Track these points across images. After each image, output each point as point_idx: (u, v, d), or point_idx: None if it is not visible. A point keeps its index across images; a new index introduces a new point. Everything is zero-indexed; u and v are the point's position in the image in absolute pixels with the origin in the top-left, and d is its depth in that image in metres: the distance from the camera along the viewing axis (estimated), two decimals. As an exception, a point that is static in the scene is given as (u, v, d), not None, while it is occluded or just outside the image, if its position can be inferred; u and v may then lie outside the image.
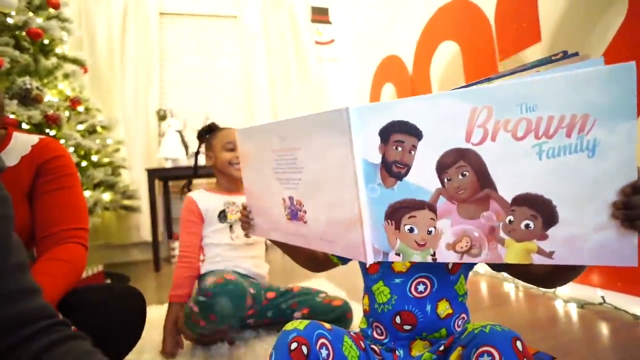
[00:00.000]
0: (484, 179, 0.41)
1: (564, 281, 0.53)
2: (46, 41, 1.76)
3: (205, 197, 1.23)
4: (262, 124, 0.60)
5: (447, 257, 0.45)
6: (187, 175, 2.78)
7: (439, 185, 0.44)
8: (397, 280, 0.60)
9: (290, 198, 0.57)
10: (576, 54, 0.40)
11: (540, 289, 1.38)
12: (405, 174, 0.45)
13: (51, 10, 1.84)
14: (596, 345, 0.95)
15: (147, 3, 2.87)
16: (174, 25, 3.05)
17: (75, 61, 1.96)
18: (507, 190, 0.41)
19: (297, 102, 3.20)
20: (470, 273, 0.64)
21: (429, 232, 0.45)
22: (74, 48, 2.28)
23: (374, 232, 0.47)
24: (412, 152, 0.44)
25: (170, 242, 2.67)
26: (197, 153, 1.40)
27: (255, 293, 1.14)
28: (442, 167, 0.43)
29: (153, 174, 2.44)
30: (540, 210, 0.40)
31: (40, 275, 0.67)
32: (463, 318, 0.61)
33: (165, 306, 1.13)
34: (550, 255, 0.40)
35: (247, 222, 0.72)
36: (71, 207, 0.79)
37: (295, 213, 0.57)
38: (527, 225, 0.41)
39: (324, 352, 0.50)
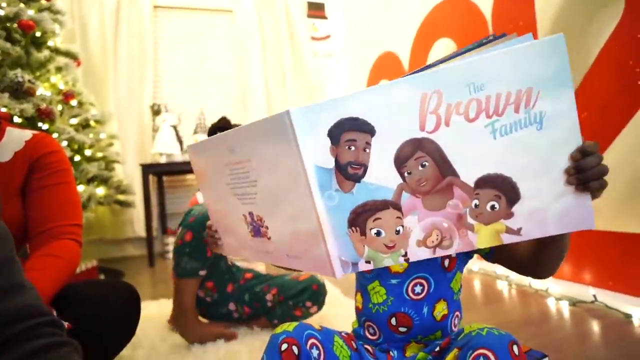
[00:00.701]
0: (444, 167, 0.41)
1: (551, 266, 0.53)
2: (38, 33, 1.73)
3: None
4: (212, 136, 0.54)
5: (420, 254, 0.43)
6: (181, 171, 2.77)
7: (400, 181, 0.42)
8: (394, 281, 0.58)
9: (250, 214, 0.52)
10: (504, 35, 0.42)
11: (533, 285, 1.39)
12: (363, 175, 0.43)
13: (43, 1, 1.81)
14: (587, 343, 0.96)
15: (141, -5, 2.83)
16: (168, 19, 3.02)
17: (67, 54, 1.93)
18: (469, 174, 0.41)
19: (292, 97, 3.19)
20: (465, 270, 0.64)
21: (397, 232, 0.43)
22: (67, 41, 2.24)
23: (338, 243, 0.44)
24: (367, 150, 0.42)
25: (164, 237, 2.66)
26: None
27: (235, 269, 1.19)
28: (401, 161, 0.42)
29: (147, 169, 2.42)
30: (502, 189, 0.40)
31: (34, 271, 0.67)
32: (457, 316, 0.61)
33: (160, 302, 1.13)
34: (518, 232, 0.41)
35: (214, 243, 0.67)
36: (65, 203, 0.78)
37: (257, 229, 0.53)
38: (492, 207, 0.41)
39: (314, 352, 0.50)
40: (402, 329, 0.58)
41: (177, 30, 3.03)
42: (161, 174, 2.81)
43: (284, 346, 0.48)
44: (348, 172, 0.43)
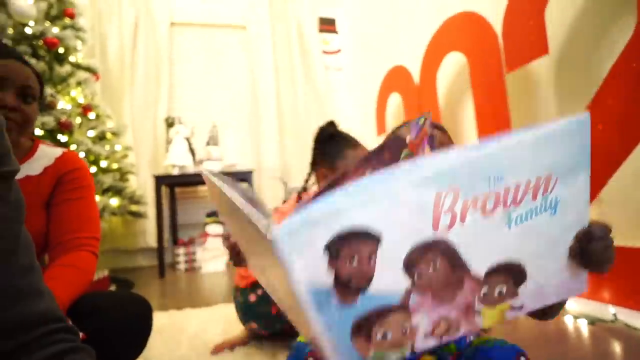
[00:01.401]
0: (456, 264, 0.38)
1: (552, 313, 0.53)
2: (61, 50, 1.80)
3: None
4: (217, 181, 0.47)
5: (427, 344, 0.41)
6: (193, 182, 2.81)
7: (408, 285, 0.38)
8: None
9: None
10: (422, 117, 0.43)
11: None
12: (367, 285, 0.37)
13: (67, 20, 1.89)
14: (607, 362, 0.93)
15: (158, 13, 2.94)
16: (184, 35, 3.11)
17: (88, 69, 2.01)
18: (480, 266, 0.39)
19: (303, 110, 3.23)
20: None
21: (404, 332, 0.39)
22: (87, 56, 2.33)
23: (338, 352, 0.38)
24: (372, 259, 0.36)
25: (175, 248, 2.68)
26: (313, 163, 1.13)
27: None
28: (410, 265, 0.37)
29: (160, 181, 2.46)
30: (511, 274, 0.40)
31: (52, 280, 0.69)
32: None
33: (170, 312, 1.13)
34: (520, 308, 0.41)
35: (236, 255, 0.58)
36: (85, 216, 0.82)
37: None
38: (500, 292, 0.40)
39: None
40: None
41: (192, 46, 3.12)
42: (173, 185, 2.86)
43: None
44: (350, 286, 0.37)
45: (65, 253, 0.77)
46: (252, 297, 1.09)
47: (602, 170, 1.19)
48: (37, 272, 0.38)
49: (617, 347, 1.01)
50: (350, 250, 0.35)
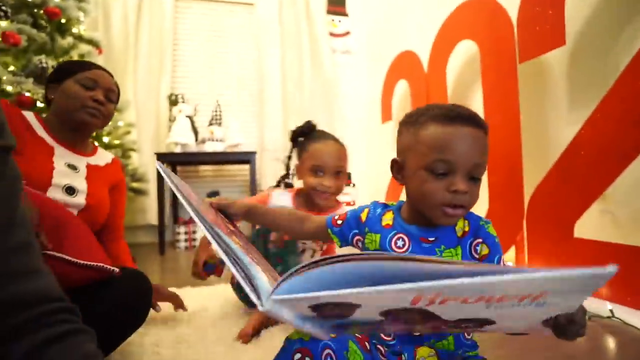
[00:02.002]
0: (430, 317, 0.38)
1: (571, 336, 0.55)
2: (63, 20, 1.76)
3: (284, 204, 1.15)
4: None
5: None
6: (195, 162, 2.80)
7: (382, 318, 0.39)
8: None
9: None
10: None
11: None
12: (345, 318, 0.39)
13: (69, -11, 1.84)
14: (602, 359, 0.94)
15: (164, -14, 2.85)
16: (189, 11, 3.03)
17: (90, 42, 1.96)
18: (453, 317, 0.38)
19: (308, 93, 3.18)
20: None
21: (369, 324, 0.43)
22: (90, 29, 2.28)
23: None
24: (354, 312, 0.38)
25: (175, 226, 2.69)
26: (289, 157, 1.26)
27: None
28: (386, 313, 0.38)
29: (162, 158, 2.45)
30: (479, 322, 0.39)
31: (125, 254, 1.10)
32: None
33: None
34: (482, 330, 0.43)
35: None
36: (122, 213, 1.14)
37: None
38: (466, 327, 0.42)
39: None
40: (417, 333, 0.57)
41: (197, 22, 3.05)
42: (175, 164, 2.84)
43: (297, 356, 0.48)
44: (329, 317, 0.39)
45: (114, 239, 1.09)
46: None
47: (609, 168, 1.18)
48: (34, 249, 0.37)
49: (612, 343, 1.02)
50: (333, 310, 0.37)
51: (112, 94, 1.01)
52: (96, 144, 1.16)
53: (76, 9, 1.80)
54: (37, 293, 0.35)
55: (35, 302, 0.34)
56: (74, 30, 1.87)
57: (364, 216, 0.64)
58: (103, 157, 1.08)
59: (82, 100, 0.94)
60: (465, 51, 1.98)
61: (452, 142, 0.53)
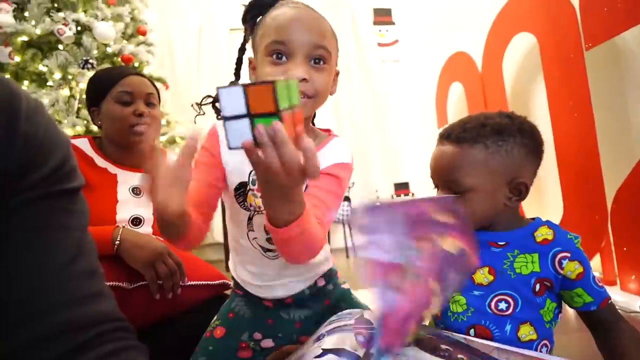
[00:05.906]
0: None
1: None
2: (136, 64, 2.00)
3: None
4: None
5: None
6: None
7: None
8: (476, 292, 0.58)
9: None
10: None
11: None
12: None
13: (140, 37, 2.09)
14: None
15: (218, 21, 3.11)
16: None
17: (159, 80, 2.20)
18: None
19: (358, 104, 3.19)
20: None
21: None
22: (157, 68, 2.55)
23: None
24: None
25: (240, 243, 2.84)
26: (241, 49, 0.78)
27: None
28: None
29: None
30: None
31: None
32: (546, 344, 0.56)
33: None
34: None
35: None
36: None
37: None
38: None
39: None
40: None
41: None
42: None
43: None
44: None
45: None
46: None
47: None
48: (99, 275, 0.42)
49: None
50: None
51: (152, 98, 0.97)
52: None
53: (146, 53, 2.03)
54: (102, 313, 0.39)
55: (100, 321, 0.39)
56: (145, 71, 2.11)
57: None
58: None
59: (126, 120, 0.91)
60: (522, 45, 1.85)
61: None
